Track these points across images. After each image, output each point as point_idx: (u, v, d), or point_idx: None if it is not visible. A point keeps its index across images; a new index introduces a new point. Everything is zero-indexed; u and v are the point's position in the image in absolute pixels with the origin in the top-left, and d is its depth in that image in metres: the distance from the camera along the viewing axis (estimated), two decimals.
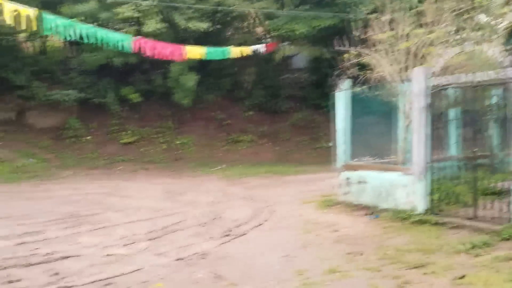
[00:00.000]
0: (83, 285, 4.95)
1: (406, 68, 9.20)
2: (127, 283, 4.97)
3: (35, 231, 7.76)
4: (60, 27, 11.24)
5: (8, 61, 18.09)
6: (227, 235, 7.19)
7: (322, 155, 21.18)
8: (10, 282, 5.07)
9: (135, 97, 19.36)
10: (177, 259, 5.91)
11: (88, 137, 19.42)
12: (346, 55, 10.37)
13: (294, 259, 5.90)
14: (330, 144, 22.11)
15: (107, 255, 6.18)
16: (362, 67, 10.31)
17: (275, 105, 22.27)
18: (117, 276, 5.23)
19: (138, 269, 5.48)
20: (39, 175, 15.70)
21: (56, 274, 5.34)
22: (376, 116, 10.42)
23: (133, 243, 6.84)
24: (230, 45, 18.51)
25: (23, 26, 10.52)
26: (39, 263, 5.83)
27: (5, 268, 5.62)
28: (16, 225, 8.30)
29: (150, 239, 7.03)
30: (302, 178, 14.78)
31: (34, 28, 10.66)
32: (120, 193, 12.27)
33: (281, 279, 5.09)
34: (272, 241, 6.83)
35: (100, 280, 5.08)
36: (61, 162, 17.63)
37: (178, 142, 20.11)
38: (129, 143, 19.45)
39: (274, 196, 11.23)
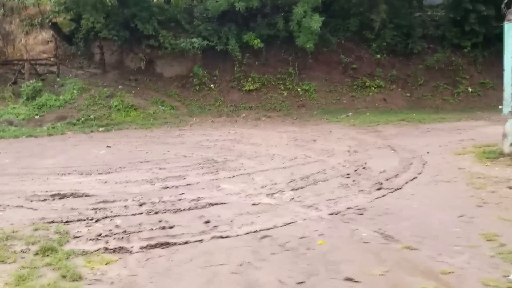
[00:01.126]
0: (237, 236, 4.54)
1: None
2: (284, 238, 4.44)
3: (177, 176, 7.72)
4: None
5: (137, 11, 18.58)
6: (379, 189, 6.36)
7: (463, 102, 19.14)
8: (163, 228, 4.85)
9: (257, 43, 18.79)
10: (331, 214, 5.25)
11: (212, 85, 19.53)
12: None
13: (473, 220, 4.89)
14: (470, 89, 19.78)
15: (253, 204, 5.76)
16: None
17: (407, 47, 20.19)
18: (270, 228, 4.75)
19: (291, 222, 4.94)
20: (169, 121, 16.20)
21: (207, 222, 5.03)
22: None
23: (276, 192, 6.35)
24: None
25: None
26: (188, 209, 5.61)
27: (155, 212, 5.48)
28: (158, 169, 8.37)
29: (293, 189, 6.49)
30: (444, 127, 13.19)
31: None
32: (248, 140, 12.01)
33: (467, 245, 4.17)
34: (437, 197, 5.85)
35: (254, 231, 4.64)
36: (187, 110, 18.03)
37: (300, 89, 19.35)
38: (251, 90, 19.17)
39: (417, 146, 10.00)
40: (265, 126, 15.04)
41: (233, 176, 7.59)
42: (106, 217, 5.35)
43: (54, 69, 19.78)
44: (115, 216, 5.40)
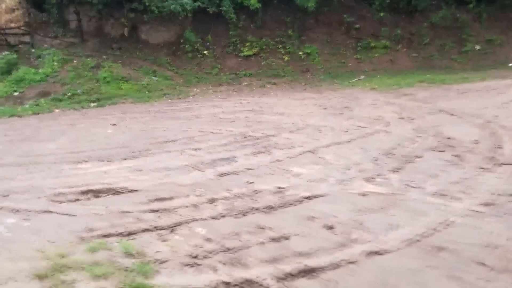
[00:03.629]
0: (399, 250, 3.25)
1: None
2: (467, 250, 3.19)
3: (223, 158, 6.32)
4: None
5: None
6: (500, 165, 5.16)
7: (471, 60, 18.22)
8: (277, 240, 3.50)
9: (253, 3, 17.07)
10: (484, 204, 4.02)
11: (205, 52, 17.79)
12: None
13: None
14: (477, 47, 18.87)
15: (363, 195, 4.47)
16: None
17: (409, 3, 18.92)
18: (430, 234, 3.47)
19: (448, 223, 3.67)
20: (167, 93, 14.51)
21: (331, 227, 3.71)
22: None
23: (374, 176, 5.07)
24: None
25: None
26: (282, 206, 4.27)
27: (243, 214, 4.11)
28: (192, 150, 6.93)
29: (392, 171, 5.22)
30: (476, 87, 12.18)
31: None
32: (271, 110, 10.62)
33: None
34: None
35: (415, 241, 3.34)
36: (183, 80, 16.33)
37: (301, 53, 17.88)
38: (249, 55, 17.56)
39: (472, 109, 8.94)
40: (277, 94, 13.64)
41: (295, 156, 6.26)
42: (179, 224, 3.95)
43: (26, 39, 17.50)
44: (189, 221, 4.01)
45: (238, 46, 17.84)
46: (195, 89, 15.03)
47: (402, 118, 8.44)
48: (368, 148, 6.39)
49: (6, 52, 14.85)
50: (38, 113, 12.04)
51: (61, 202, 4.85)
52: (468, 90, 11.83)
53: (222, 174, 5.56)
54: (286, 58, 17.65)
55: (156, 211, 4.36)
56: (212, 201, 4.53)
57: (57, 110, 12.43)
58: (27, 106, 12.85)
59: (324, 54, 18.07)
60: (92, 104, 13.09)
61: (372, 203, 4.20)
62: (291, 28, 18.32)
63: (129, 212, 4.38)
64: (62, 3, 18.27)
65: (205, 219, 4.03)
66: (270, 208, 4.21)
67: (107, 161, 6.69)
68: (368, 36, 18.53)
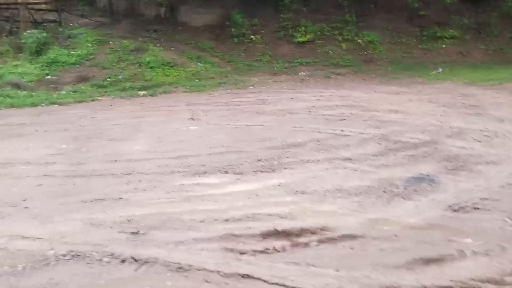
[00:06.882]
0: None
1: None
2: None
3: (415, 177, 4.41)
4: None
5: None
6: None
7: None
8: None
9: None
10: None
11: (253, 37, 15.79)
12: None
13: None
14: None
15: None
16: None
17: None
18: None
19: None
20: (222, 82, 12.57)
21: None
22: None
23: None
24: None
25: None
26: None
27: None
28: (343, 161, 5.04)
29: None
30: None
31: None
32: (373, 106, 8.72)
33: None
34: None
35: None
36: (231, 67, 14.37)
37: (361, 41, 15.93)
38: (304, 42, 15.58)
39: None
40: (355, 86, 11.71)
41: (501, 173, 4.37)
42: None
43: (51, 17, 15.45)
44: None
45: (290, 31, 15.92)
46: (252, 78, 13.07)
47: None
48: None
49: (35, 30, 12.76)
50: (81, 101, 10.09)
51: (243, 253, 2.93)
52: None
53: (458, 209, 3.65)
54: (344, 46, 15.72)
55: None
56: None
57: (101, 98, 10.47)
58: (64, 92, 10.87)
59: (385, 43, 16.18)
60: (140, 93, 11.15)
61: None
62: (349, 12, 16.35)
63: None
64: None
65: None
66: None
67: (233, 173, 4.78)
68: (434, 23, 16.62)
